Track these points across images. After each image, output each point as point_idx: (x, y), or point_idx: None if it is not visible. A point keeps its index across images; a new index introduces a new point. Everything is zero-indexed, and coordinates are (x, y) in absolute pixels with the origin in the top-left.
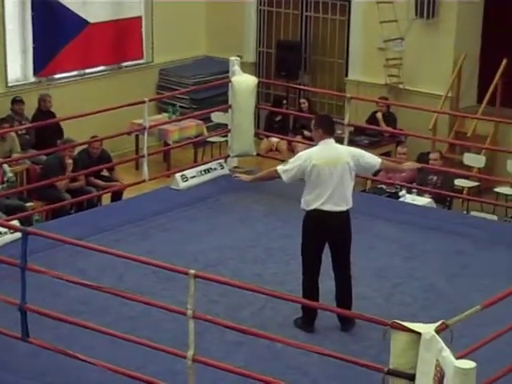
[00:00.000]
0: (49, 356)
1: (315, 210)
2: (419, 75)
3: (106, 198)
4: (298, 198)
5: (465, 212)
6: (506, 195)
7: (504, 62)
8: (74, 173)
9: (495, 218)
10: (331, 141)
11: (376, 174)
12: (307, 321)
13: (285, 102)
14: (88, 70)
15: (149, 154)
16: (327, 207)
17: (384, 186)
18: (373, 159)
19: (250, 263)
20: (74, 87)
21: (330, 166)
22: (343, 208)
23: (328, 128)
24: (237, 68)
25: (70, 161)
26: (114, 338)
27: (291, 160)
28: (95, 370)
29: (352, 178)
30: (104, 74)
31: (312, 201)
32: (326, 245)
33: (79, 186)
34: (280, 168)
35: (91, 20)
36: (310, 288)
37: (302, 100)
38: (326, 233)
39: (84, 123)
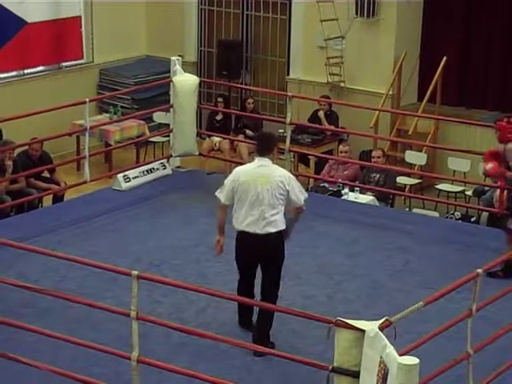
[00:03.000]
0: None
1: (241, 232)
2: (360, 73)
3: (47, 200)
4: None
5: (407, 209)
6: (447, 192)
7: (444, 59)
8: (14, 174)
9: (437, 214)
10: (264, 160)
11: (319, 172)
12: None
13: (219, 99)
14: (27, 71)
15: (90, 155)
16: (252, 229)
17: (326, 185)
18: (298, 197)
19: (194, 263)
20: (13, 88)
21: (256, 185)
22: (270, 230)
23: (259, 148)
24: (178, 68)
25: (9, 162)
26: (57, 341)
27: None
28: (38, 372)
29: (283, 199)
30: (44, 74)
31: (239, 220)
32: None
33: (19, 187)
34: (217, 192)
35: (29, 20)
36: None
37: (249, 100)
38: (251, 255)
39: (24, 124)
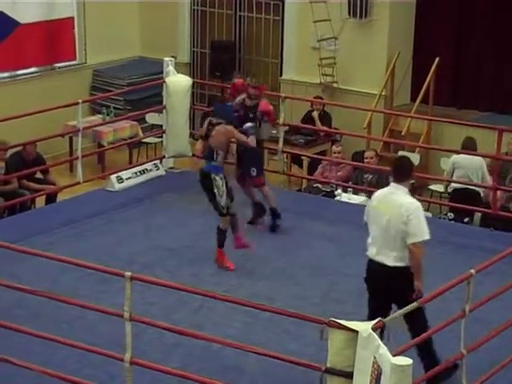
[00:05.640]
0: None
1: (368, 259)
2: (353, 74)
3: (40, 201)
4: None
5: None
6: (440, 193)
7: (436, 60)
8: (7, 176)
9: (430, 215)
10: (397, 187)
11: (312, 172)
12: None
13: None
14: (20, 72)
15: (83, 156)
16: (373, 257)
17: (320, 185)
18: (414, 233)
19: (187, 264)
20: (6, 89)
21: (382, 212)
22: (388, 263)
23: (395, 173)
24: (171, 68)
25: (1, 164)
26: (50, 342)
27: None
28: (31, 374)
29: (404, 233)
30: (36, 75)
31: (368, 246)
32: None
33: (12, 188)
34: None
35: (22, 21)
36: None
37: None
38: (371, 285)
39: (17, 125)
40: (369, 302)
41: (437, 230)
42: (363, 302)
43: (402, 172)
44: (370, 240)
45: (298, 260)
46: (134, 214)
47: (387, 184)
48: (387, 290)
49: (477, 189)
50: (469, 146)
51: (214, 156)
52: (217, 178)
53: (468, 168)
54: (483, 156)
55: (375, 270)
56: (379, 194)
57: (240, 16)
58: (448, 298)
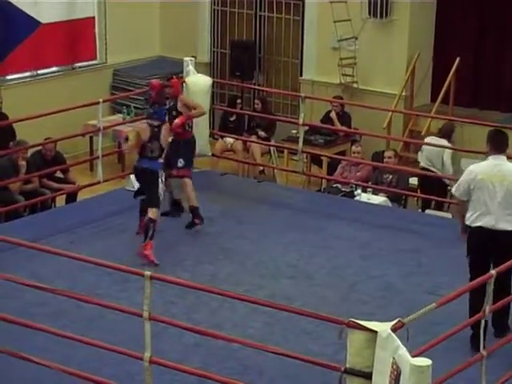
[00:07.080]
0: (2, 359)
1: (475, 228)
2: (373, 74)
3: (61, 200)
4: (253, 198)
5: (419, 210)
6: None
7: (457, 60)
8: (28, 175)
9: (450, 215)
10: (500, 157)
11: (331, 173)
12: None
13: (239, 101)
14: (41, 71)
15: (103, 155)
16: (486, 224)
17: (339, 185)
18: None
19: (206, 263)
20: (27, 88)
21: (493, 182)
22: (504, 227)
23: (496, 145)
24: (191, 68)
25: (23, 163)
26: (70, 341)
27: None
28: (50, 372)
29: None
30: (57, 74)
31: (473, 216)
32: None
33: (33, 187)
34: (453, 190)
35: (43, 20)
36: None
37: (256, 101)
38: (483, 251)
39: (37, 124)
40: (475, 274)
41: (457, 230)
42: (385, 303)
43: (502, 143)
44: (479, 212)
45: (317, 260)
46: None
47: (407, 184)
48: (494, 253)
49: (446, 181)
50: (445, 130)
51: (163, 155)
52: (163, 173)
53: (430, 151)
54: None
55: (497, 238)
56: (481, 167)
57: (260, 16)
58: (468, 299)
